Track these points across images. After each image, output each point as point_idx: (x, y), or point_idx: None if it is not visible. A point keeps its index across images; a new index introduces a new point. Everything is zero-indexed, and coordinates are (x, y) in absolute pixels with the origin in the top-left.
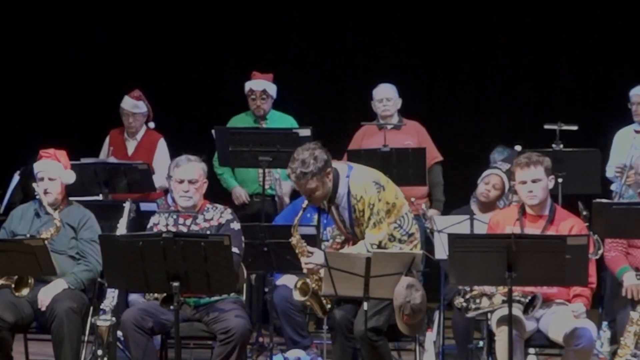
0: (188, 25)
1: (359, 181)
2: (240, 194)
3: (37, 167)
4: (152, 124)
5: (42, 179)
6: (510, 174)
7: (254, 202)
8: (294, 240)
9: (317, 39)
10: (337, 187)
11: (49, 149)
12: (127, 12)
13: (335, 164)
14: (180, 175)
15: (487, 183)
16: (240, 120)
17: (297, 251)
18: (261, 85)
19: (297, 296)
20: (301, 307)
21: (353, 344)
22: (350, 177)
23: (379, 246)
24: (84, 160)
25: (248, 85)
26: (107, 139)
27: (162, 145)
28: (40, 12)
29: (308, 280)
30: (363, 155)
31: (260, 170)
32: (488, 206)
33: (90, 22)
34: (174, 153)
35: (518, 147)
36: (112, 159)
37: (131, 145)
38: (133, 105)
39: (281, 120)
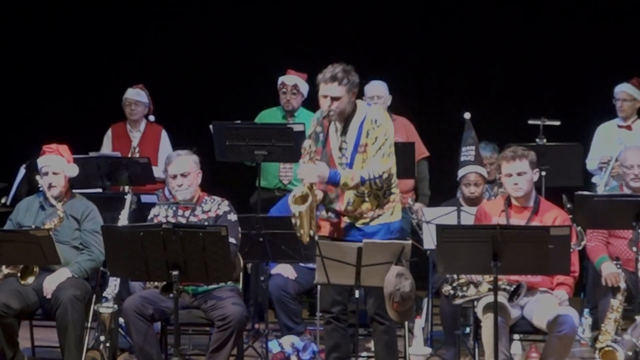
0: (195, 21)
1: (381, 111)
2: None
3: (41, 162)
4: (152, 117)
5: (46, 174)
6: (478, 151)
7: (275, 195)
8: (307, 143)
9: (310, 37)
10: (354, 113)
11: (52, 144)
12: (130, 7)
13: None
14: (173, 171)
15: (468, 184)
16: (270, 115)
17: (304, 156)
18: (293, 80)
19: (290, 203)
20: (295, 295)
21: (345, 325)
22: (371, 106)
23: (380, 177)
24: (91, 154)
25: (281, 79)
26: (109, 133)
27: (165, 136)
28: (43, 8)
29: (309, 193)
30: None
31: (282, 166)
32: (475, 198)
33: (94, 18)
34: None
35: (467, 115)
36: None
37: (135, 137)
38: (135, 92)
39: (309, 118)
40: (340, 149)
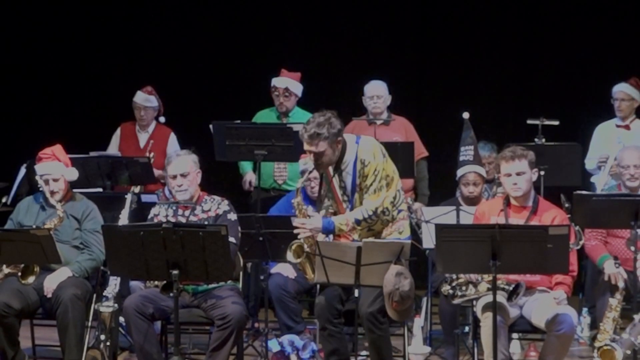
0: (195, 21)
1: (369, 147)
2: (250, 179)
3: (40, 170)
4: (162, 119)
5: (47, 182)
6: (477, 151)
7: (270, 195)
8: (295, 201)
9: (310, 37)
10: (344, 153)
11: (46, 148)
12: (135, 9)
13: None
14: (172, 171)
15: (467, 184)
16: (265, 115)
17: (297, 213)
18: (284, 83)
19: (290, 257)
20: (294, 294)
21: (341, 329)
22: (359, 143)
23: (375, 213)
24: (92, 154)
25: (272, 82)
26: (118, 132)
27: (173, 139)
28: (52, 9)
29: (305, 244)
30: None
31: (276, 166)
32: (474, 198)
33: (96, 17)
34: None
35: (466, 115)
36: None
37: (143, 138)
38: (145, 99)
39: (304, 118)
40: (340, 187)
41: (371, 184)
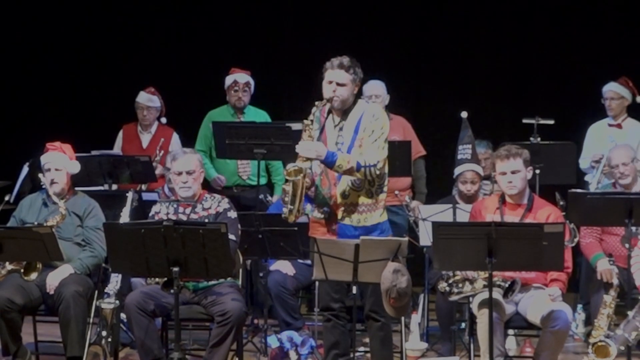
0: (196, 21)
1: (379, 108)
2: (221, 179)
3: (44, 158)
4: (164, 120)
5: (49, 170)
6: (475, 150)
7: (233, 193)
8: (307, 121)
9: (306, 36)
10: (352, 107)
11: (55, 142)
12: (136, 9)
13: None
14: (178, 168)
15: (465, 182)
16: (219, 114)
17: (304, 134)
18: (245, 78)
19: (286, 176)
20: (293, 291)
21: (345, 323)
22: (370, 104)
23: (375, 166)
24: (93, 153)
25: (232, 78)
26: (120, 134)
27: (175, 139)
28: (53, 9)
29: (302, 165)
30: None
31: (239, 162)
32: (471, 196)
33: (100, 19)
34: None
35: (464, 114)
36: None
37: (145, 139)
38: (148, 99)
39: (257, 115)
40: (337, 143)
41: (375, 140)
